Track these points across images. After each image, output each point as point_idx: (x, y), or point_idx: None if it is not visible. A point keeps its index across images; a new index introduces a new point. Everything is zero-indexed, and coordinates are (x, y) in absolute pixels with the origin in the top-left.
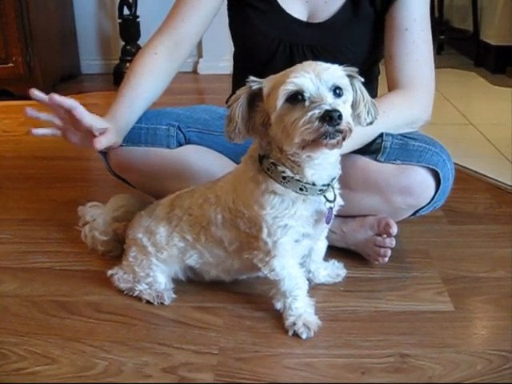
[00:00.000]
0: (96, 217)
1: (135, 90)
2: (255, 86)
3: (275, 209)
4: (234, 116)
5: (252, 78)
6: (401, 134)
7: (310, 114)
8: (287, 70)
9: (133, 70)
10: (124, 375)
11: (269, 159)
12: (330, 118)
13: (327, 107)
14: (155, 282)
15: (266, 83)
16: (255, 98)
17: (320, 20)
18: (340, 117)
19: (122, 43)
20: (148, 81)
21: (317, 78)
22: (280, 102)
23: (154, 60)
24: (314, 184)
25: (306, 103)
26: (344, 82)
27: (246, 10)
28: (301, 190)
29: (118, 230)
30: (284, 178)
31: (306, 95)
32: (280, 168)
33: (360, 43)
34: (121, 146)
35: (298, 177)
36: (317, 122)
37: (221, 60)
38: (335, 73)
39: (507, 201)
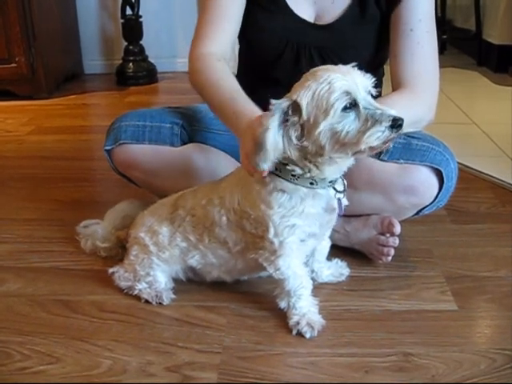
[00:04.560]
0: (96, 228)
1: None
2: (287, 105)
3: (283, 207)
4: (267, 146)
5: (273, 101)
6: (404, 134)
7: (383, 124)
8: (315, 74)
9: (213, 78)
10: (128, 374)
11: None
12: (399, 125)
13: (395, 115)
14: (155, 282)
15: (298, 95)
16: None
17: (327, 21)
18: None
19: (125, 43)
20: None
21: (360, 85)
22: (337, 111)
23: (225, 67)
24: (324, 178)
25: (362, 110)
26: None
27: (254, 10)
28: (311, 184)
29: (121, 236)
30: (293, 175)
31: (361, 103)
32: (289, 167)
33: (366, 44)
34: (125, 143)
35: (308, 175)
36: (387, 130)
37: None
38: (367, 77)
39: (510, 200)
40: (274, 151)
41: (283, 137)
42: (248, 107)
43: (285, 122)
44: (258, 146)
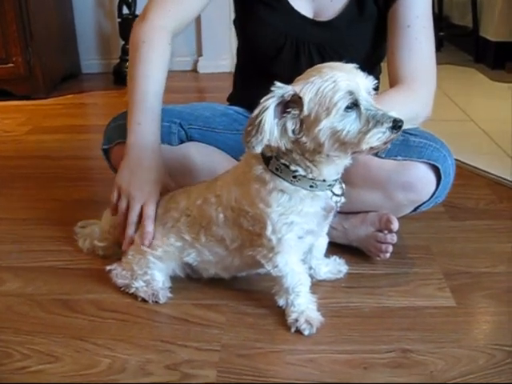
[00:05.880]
0: (94, 228)
1: (160, 96)
2: (288, 93)
3: (282, 206)
4: (263, 128)
5: (278, 83)
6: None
7: (384, 125)
8: (320, 71)
9: (150, 69)
10: (127, 373)
11: (279, 160)
12: (399, 126)
13: (396, 116)
14: (153, 280)
15: (302, 89)
16: (282, 105)
17: (325, 18)
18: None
19: (122, 42)
20: (163, 78)
21: (362, 85)
22: (339, 110)
23: (167, 52)
24: (324, 180)
25: (363, 111)
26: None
27: (254, 6)
28: (311, 187)
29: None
30: (294, 176)
31: (362, 103)
32: (292, 167)
33: (364, 41)
34: (122, 142)
35: (310, 175)
36: (388, 131)
37: (221, 59)
38: (369, 79)
39: (508, 196)
40: (271, 134)
41: (277, 125)
42: (150, 122)
43: (283, 112)
44: (256, 126)
